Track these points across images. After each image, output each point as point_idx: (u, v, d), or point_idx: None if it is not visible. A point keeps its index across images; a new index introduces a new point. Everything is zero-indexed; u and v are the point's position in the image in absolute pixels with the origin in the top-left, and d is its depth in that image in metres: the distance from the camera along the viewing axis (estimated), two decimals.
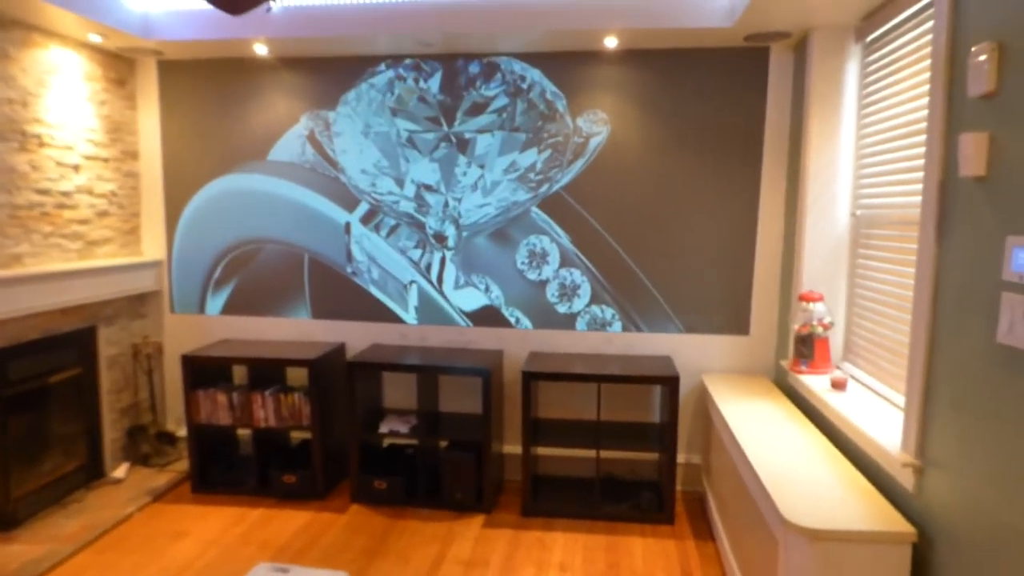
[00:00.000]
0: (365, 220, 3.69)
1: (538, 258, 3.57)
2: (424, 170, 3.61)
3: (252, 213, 3.77)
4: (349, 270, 3.73)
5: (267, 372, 3.65)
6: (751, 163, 3.38)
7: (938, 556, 1.80)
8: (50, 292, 3.14)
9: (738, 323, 3.51)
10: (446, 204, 3.61)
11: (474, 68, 3.49)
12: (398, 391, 3.79)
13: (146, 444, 3.87)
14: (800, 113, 3.13)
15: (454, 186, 3.60)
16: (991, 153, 1.57)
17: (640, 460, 3.65)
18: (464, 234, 3.62)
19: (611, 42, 3.23)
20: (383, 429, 3.47)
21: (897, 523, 1.89)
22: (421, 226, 3.65)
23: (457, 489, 3.37)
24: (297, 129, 3.68)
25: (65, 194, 3.34)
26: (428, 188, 3.62)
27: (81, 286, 3.33)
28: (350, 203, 3.68)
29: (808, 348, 2.93)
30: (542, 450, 3.68)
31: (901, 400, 2.37)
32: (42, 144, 3.20)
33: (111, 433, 3.70)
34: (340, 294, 3.76)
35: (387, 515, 3.35)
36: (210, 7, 3.25)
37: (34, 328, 3.15)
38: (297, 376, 3.79)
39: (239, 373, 3.84)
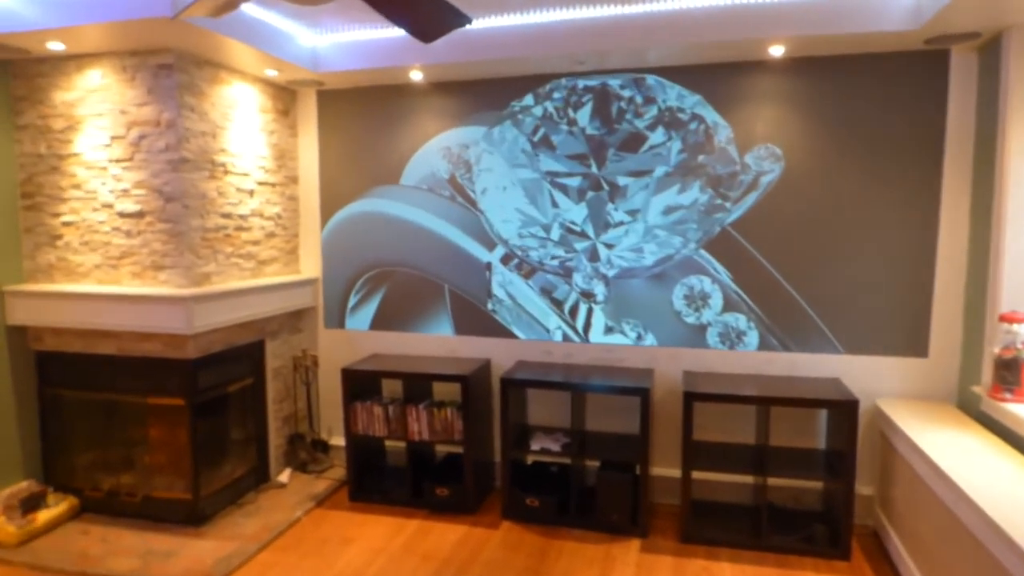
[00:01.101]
0: (505, 261, 3.73)
1: (697, 300, 3.47)
2: (572, 214, 3.60)
3: (393, 237, 3.91)
4: (490, 307, 3.78)
5: (417, 386, 3.75)
6: (929, 174, 3.14)
7: None
8: (233, 308, 3.38)
9: (915, 344, 3.25)
10: (595, 253, 3.58)
11: (628, 92, 3.44)
12: (543, 408, 3.78)
13: (304, 451, 4.06)
14: (991, 118, 2.87)
15: (604, 232, 3.56)
16: None
17: (804, 489, 3.44)
18: (614, 289, 3.58)
19: (777, 51, 3.11)
20: (535, 446, 3.46)
21: None
22: (568, 274, 3.64)
23: (612, 510, 3.31)
24: (439, 161, 3.79)
25: (242, 217, 3.60)
26: (576, 234, 3.60)
27: (255, 302, 3.57)
28: (490, 243, 3.75)
29: (1013, 373, 2.66)
30: (697, 474, 3.54)
31: None
32: (226, 172, 3.46)
33: (275, 440, 3.92)
34: (482, 322, 3.82)
35: (540, 533, 3.32)
36: (379, 36, 3.42)
37: (218, 341, 3.39)
38: (444, 391, 3.86)
39: (389, 386, 3.96)
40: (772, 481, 3.29)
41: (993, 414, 2.77)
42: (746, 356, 3.45)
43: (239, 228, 3.58)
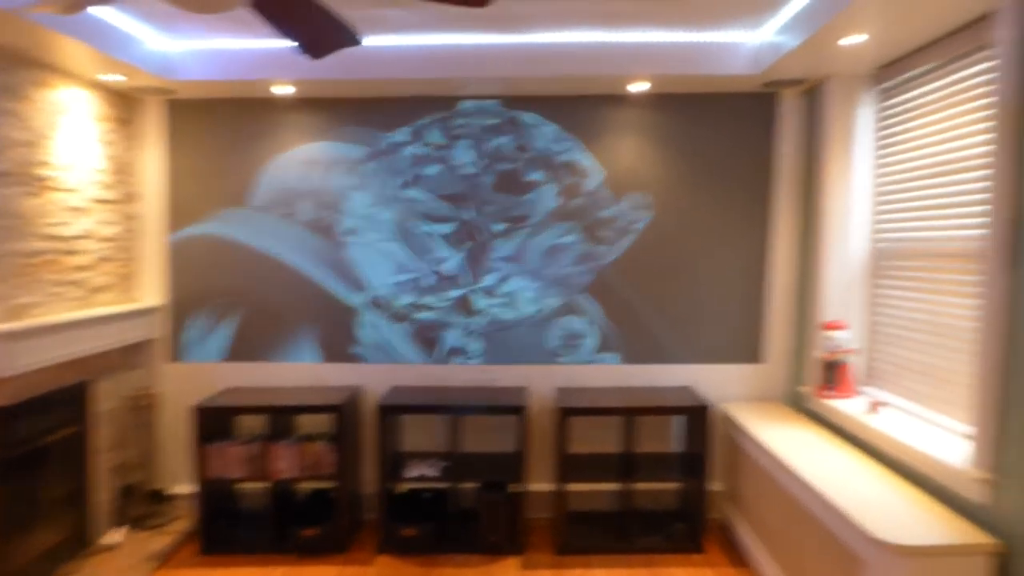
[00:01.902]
0: (373, 306, 3.63)
1: (574, 339, 3.62)
2: (447, 260, 3.60)
3: (247, 264, 3.64)
4: (356, 350, 3.66)
5: (281, 420, 3.49)
6: (763, 200, 3.58)
7: (1020, 564, 1.92)
8: (56, 344, 2.90)
9: (753, 352, 3.65)
10: (469, 304, 3.62)
11: (504, 135, 3.53)
12: (420, 433, 3.70)
13: (140, 505, 3.58)
14: (813, 152, 3.35)
15: (481, 280, 3.62)
16: None
17: (664, 491, 3.70)
18: (489, 340, 3.64)
19: (641, 87, 3.37)
20: (412, 473, 3.37)
21: (977, 535, 2.01)
22: (442, 327, 3.64)
23: (491, 531, 3.31)
24: (302, 189, 3.60)
25: (70, 239, 3.12)
26: (449, 280, 3.62)
27: (84, 336, 3.09)
28: (357, 285, 3.63)
29: (834, 374, 3.10)
30: (571, 486, 3.67)
31: (938, 418, 2.54)
32: (51, 188, 2.99)
33: (104, 495, 3.41)
34: (351, 347, 3.67)
35: (419, 564, 3.23)
36: (241, 47, 3.17)
37: (37, 384, 2.88)
38: (312, 423, 3.64)
39: (247, 423, 3.64)
40: (638, 486, 3.51)
41: (818, 410, 3.20)
42: (612, 370, 3.66)
43: (66, 252, 3.10)
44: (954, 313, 2.47)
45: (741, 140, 3.54)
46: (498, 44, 3.12)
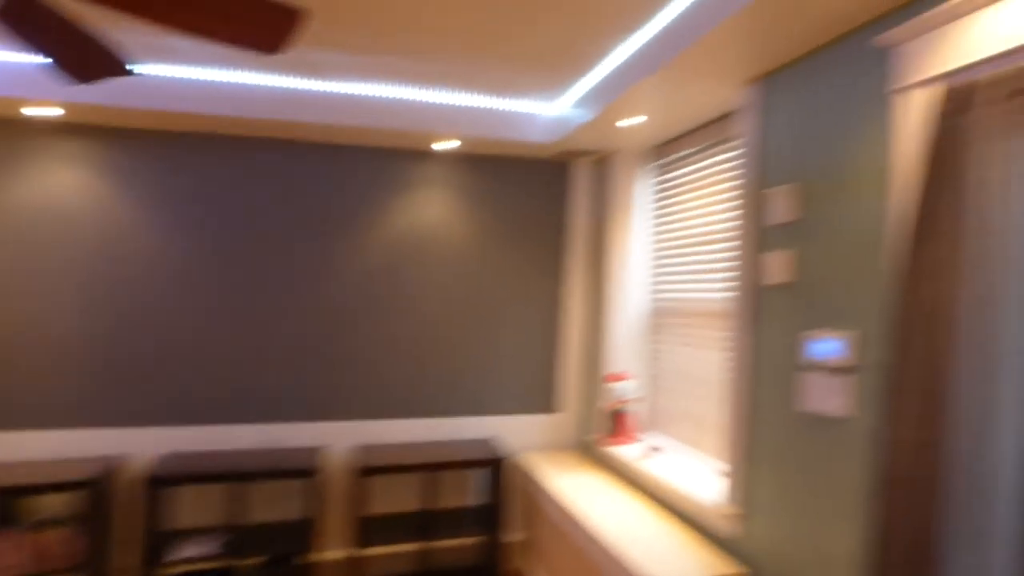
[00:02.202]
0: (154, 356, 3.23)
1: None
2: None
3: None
4: (120, 411, 3.19)
5: (9, 505, 2.87)
6: (559, 258, 3.83)
7: None
8: None
9: (549, 403, 3.83)
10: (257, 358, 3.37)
11: (299, 185, 3.40)
12: (197, 507, 3.27)
13: None
14: (601, 217, 3.68)
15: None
16: (791, 266, 2.11)
17: (465, 546, 3.67)
18: (279, 400, 3.40)
19: (445, 146, 3.45)
20: (186, 553, 2.95)
21: (730, 566, 2.26)
22: (220, 384, 3.33)
23: None
24: (61, 219, 3.12)
25: None
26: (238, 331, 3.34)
27: None
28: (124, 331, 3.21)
29: (616, 423, 3.35)
30: (370, 550, 3.48)
31: (706, 460, 2.86)
32: None
33: None
34: (111, 407, 3.18)
35: None
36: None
37: None
38: (52, 505, 3.04)
39: None
40: (438, 543, 3.44)
41: (604, 457, 3.42)
42: (412, 425, 3.59)
43: None
44: (712, 364, 2.82)
45: (539, 202, 3.78)
46: (300, 90, 3.01)
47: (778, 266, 2.14)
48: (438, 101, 3.18)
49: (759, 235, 2.29)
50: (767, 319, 2.23)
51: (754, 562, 2.26)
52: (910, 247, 1.57)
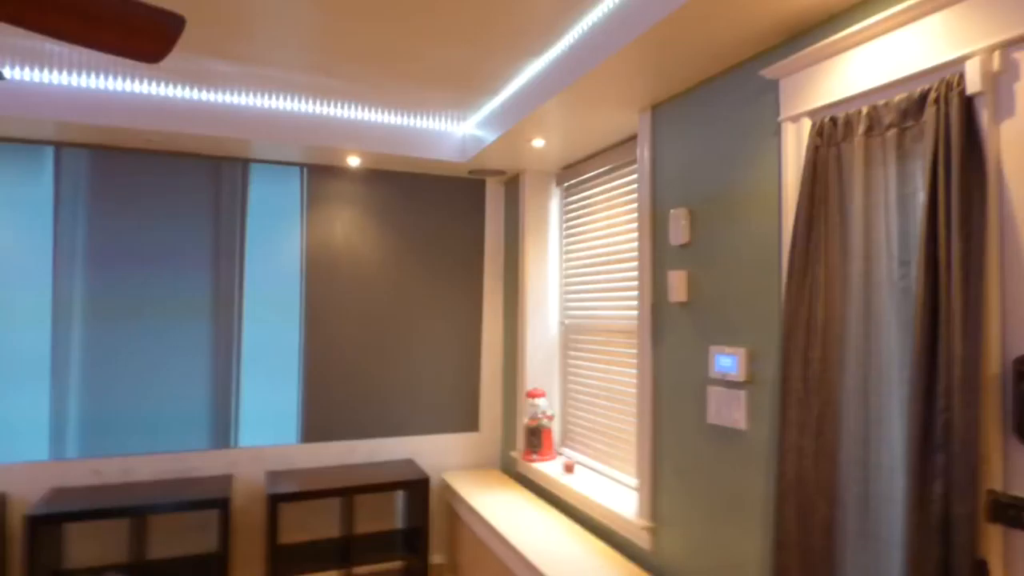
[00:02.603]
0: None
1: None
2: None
3: None
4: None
5: None
6: (474, 276, 3.84)
7: None
8: None
9: (469, 421, 3.82)
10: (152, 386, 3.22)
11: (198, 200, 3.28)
12: (89, 545, 3.07)
13: None
14: (513, 235, 3.72)
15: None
16: (689, 285, 2.19)
17: (388, 571, 3.59)
18: (188, 426, 3.25)
19: (355, 161, 3.41)
20: None
21: None
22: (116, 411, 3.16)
23: None
24: None
25: None
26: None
27: None
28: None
29: (537, 439, 3.38)
30: None
31: (619, 475, 2.92)
32: None
33: None
34: None
35: None
36: None
37: None
38: None
39: None
40: (359, 570, 3.36)
41: (526, 473, 3.44)
42: (329, 448, 3.50)
43: None
44: (622, 381, 2.89)
45: (454, 220, 3.79)
46: (191, 100, 2.90)
47: (676, 285, 2.23)
48: (344, 116, 3.14)
49: (658, 256, 2.38)
50: (668, 336, 2.31)
51: (667, 574, 2.31)
52: (796, 266, 1.66)
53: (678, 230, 2.22)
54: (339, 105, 3.06)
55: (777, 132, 1.86)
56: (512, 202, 3.76)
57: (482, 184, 3.85)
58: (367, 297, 3.59)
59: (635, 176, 2.81)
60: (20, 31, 2.27)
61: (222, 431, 3.30)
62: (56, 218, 3.04)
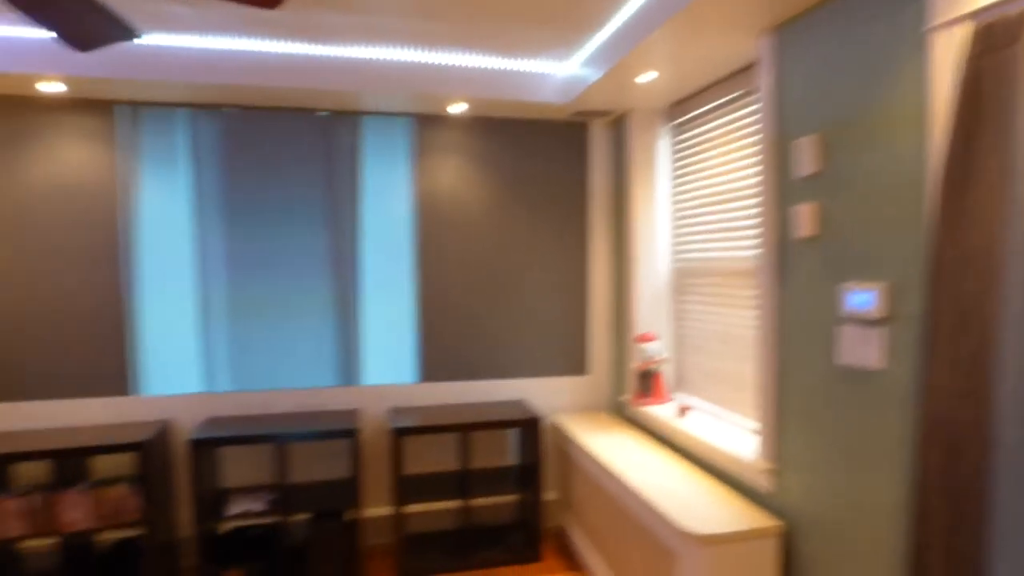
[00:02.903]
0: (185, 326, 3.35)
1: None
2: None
3: (25, 282, 3.19)
4: (163, 379, 3.33)
5: (71, 465, 3.06)
6: (580, 220, 3.81)
7: (801, 540, 2.22)
8: None
9: (578, 364, 3.86)
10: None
11: (312, 152, 3.44)
12: (243, 467, 3.44)
13: None
14: (620, 178, 3.64)
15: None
16: (818, 219, 2.07)
17: (502, 504, 3.77)
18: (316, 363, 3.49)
19: (459, 108, 3.44)
20: (234, 510, 3.11)
21: (766, 519, 2.28)
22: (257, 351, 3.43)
23: (325, 562, 3.15)
24: (79, 199, 3.24)
25: None
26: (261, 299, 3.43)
27: None
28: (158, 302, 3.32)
29: (648, 383, 3.37)
30: (409, 508, 3.61)
31: (736, 418, 2.86)
32: None
33: None
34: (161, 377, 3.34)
35: None
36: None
37: None
38: (109, 466, 3.23)
39: (27, 472, 3.15)
40: (475, 502, 3.54)
41: (637, 417, 3.46)
42: (445, 388, 3.67)
43: None
44: (739, 323, 2.80)
45: (559, 164, 3.76)
46: (309, 55, 3.02)
47: (803, 219, 2.11)
48: (448, 63, 3.16)
49: (782, 189, 2.25)
50: (794, 274, 2.21)
51: (789, 516, 2.27)
52: (948, 192, 1.53)
53: (805, 160, 2.08)
54: (443, 52, 3.08)
55: (922, 45, 1.68)
56: (617, 143, 3.67)
57: (586, 127, 3.78)
58: (476, 244, 3.67)
59: (754, 107, 2.65)
60: None
61: (348, 371, 3.54)
62: (194, 177, 3.31)
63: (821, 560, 2.11)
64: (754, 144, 2.67)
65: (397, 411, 3.52)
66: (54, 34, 1.76)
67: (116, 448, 2.93)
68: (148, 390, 3.30)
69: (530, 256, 3.75)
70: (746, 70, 2.68)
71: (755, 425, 2.68)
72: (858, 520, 1.95)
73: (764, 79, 2.32)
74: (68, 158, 3.18)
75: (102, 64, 2.83)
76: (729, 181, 2.87)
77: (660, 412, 3.20)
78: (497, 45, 2.96)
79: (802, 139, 2.11)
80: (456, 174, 3.62)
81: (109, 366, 3.26)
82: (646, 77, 2.84)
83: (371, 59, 3.07)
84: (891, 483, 1.83)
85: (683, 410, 3.09)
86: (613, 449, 3.09)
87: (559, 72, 3.30)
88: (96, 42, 1.85)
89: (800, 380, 2.20)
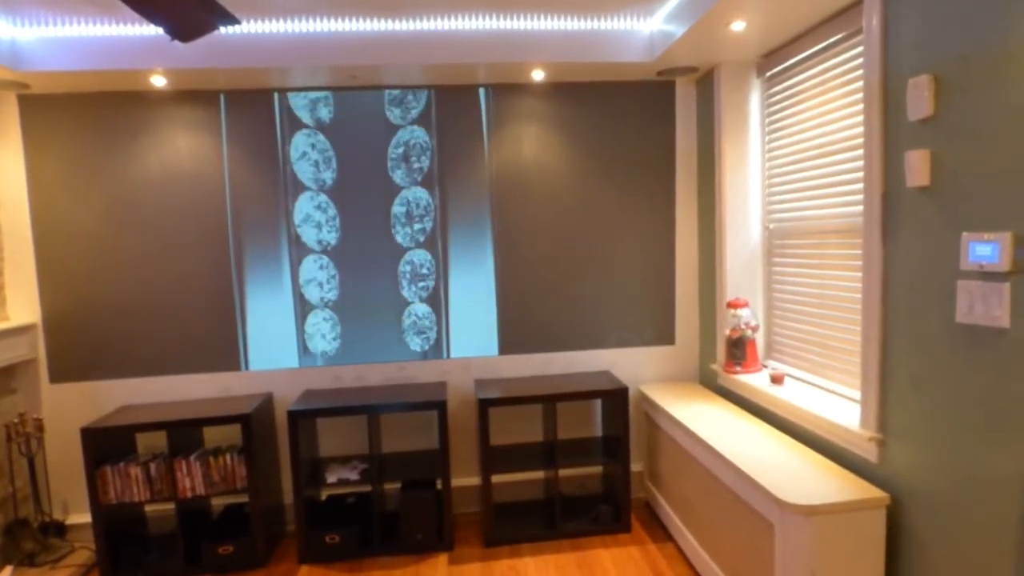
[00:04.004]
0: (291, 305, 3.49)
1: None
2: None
3: (135, 269, 3.40)
4: (266, 356, 3.49)
5: (184, 435, 3.29)
6: (666, 185, 3.68)
7: (908, 514, 2.07)
8: None
9: (664, 334, 3.76)
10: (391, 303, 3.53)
11: (405, 133, 3.47)
12: (337, 437, 3.59)
13: (29, 540, 3.29)
14: (708, 138, 3.47)
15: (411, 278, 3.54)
16: (933, 165, 1.89)
17: (588, 475, 3.76)
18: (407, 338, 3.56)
19: (538, 75, 3.38)
20: (331, 479, 3.26)
21: (871, 491, 2.15)
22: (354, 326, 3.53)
23: (417, 530, 3.25)
24: (191, 184, 3.40)
25: None
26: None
27: None
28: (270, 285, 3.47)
29: (740, 350, 3.23)
30: (495, 478, 3.66)
31: (835, 386, 2.70)
32: None
33: None
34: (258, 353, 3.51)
35: (344, 570, 3.14)
36: (103, 33, 2.93)
37: None
38: (219, 436, 3.45)
39: (146, 441, 3.41)
40: (562, 473, 3.55)
41: (728, 385, 3.33)
42: (529, 359, 3.67)
43: None
44: (840, 286, 2.62)
45: (642, 127, 3.62)
46: (388, 31, 3.03)
47: (916, 167, 1.93)
48: (525, 27, 3.08)
49: (891, 136, 2.06)
50: (904, 227, 2.03)
51: (895, 488, 2.13)
52: None
53: (919, 102, 1.90)
54: (520, 17, 3.01)
55: None
56: (705, 100, 3.49)
57: (671, 86, 3.62)
58: (556, 213, 3.62)
59: (857, 51, 2.44)
60: None
61: (435, 343, 3.60)
62: (283, 160, 3.43)
63: (933, 535, 1.97)
64: (856, 92, 2.46)
65: (482, 383, 3.55)
66: (160, 26, 1.84)
67: (224, 420, 3.12)
68: (253, 366, 3.49)
69: (613, 223, 3.66)
70: (846, 11, 2.47)
71: (856, 393, 2.52)
72: (976, 493, 1.79)
73: (869, 16, 2.13)
74: (178, 148, 3.37)
75: (203, 55, 2.95)
76: (828, 133, 2.67)
77: (752, 380, 3.07)
78: (576, 5, 2.87)
79: (914, 79, 1.92)
80: (535, 143, 3.57)
81: (220, 344, 3.46)
82: (738, 25, 2.67)
83: (451, 30, 3.05)
84: (1017, 453, 1.66)
85: (777, 378, 2.95)
86: (703, 419, 3.00)
87: (643, 29, 3.16)
88: (199, 30, 1.91)
89: (909, 343, 2.03)
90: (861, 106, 2.24)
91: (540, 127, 3.56)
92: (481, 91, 3.50)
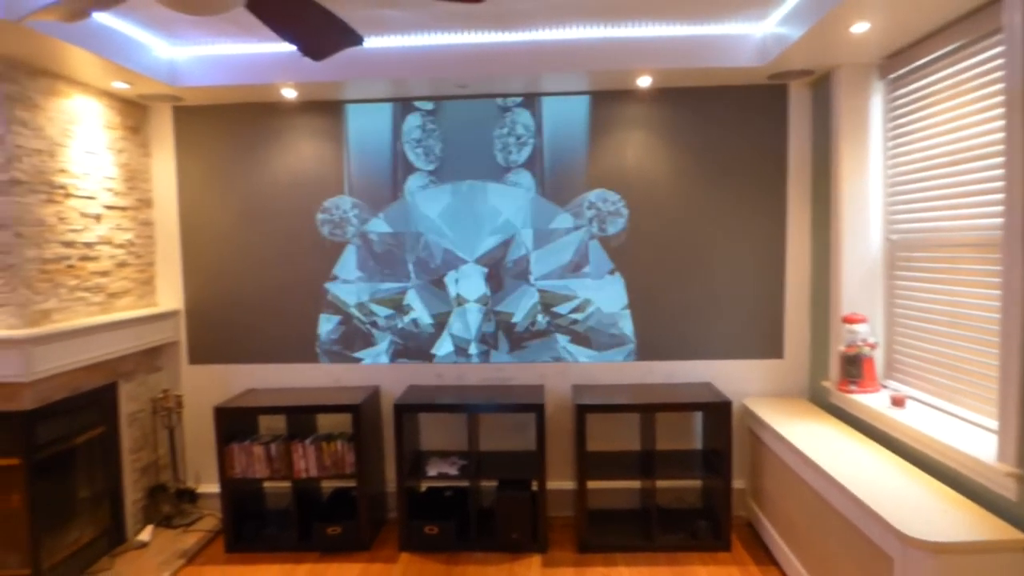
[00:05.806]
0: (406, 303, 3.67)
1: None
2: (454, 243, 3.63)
3: (266, 268, 3.70)
4: (373, 350, 3.69)
5: (301, 420, 3.54)
6: (776, 193, 3.53)
7: None
8: (79, 348, 2.99)
9: (772, 347, 3.61)
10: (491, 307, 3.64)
11: (513, 139, 3.56)
12: (437, 432, 3.72)
13: (167, 504, 3.66)
14: (824, 144, 3.30)
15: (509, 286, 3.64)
16: None
17: (686, 488, 3.67)
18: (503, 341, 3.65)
19: (645, 81, 3.35)
20: (431, 472, 3.39)
21: (1008, 531, 1.96)
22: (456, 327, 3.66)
23: (512, 529, 3.31)
24: (315, 193, 3.65)
25: (88, 245, 3.20)
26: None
27: (106, 341, 3.18)
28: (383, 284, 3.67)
29: (856, 368, 3.04)
30: (591, 484, 3.65)
31: (964, 412, 2.49)
32: (68, 195, 3.06)
33: (132, 494, 3.49)
34: (369, 348, 3.70)
35: (441, 561, 3.25)
36: (245, 51, 3.22)
37: (61, 387, 2.96)
38: (331, 423, 3.68)
39: (268, 423, 3.70)
40: (659, 484, 3.49)
41: (842, 404, 3.15)
42: (628, 367, 3.64)
43: (84, 258, 3.17)
44: (974, 304, 2.42)
45: (752, 133, 3.50)
46: (499, 43, 3.11)
47: None
48: (635, 35, 3.07)
49: None
50: None
51: None
52: None
53: None
54: (627, 25, 3.01)
55: None
56: (821, 104, 3.33)
57: (783, 90, 3.47)
58: (660, 220, 3.57)
59: (995, 51, 2.24)
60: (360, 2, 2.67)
61: (534, 347, 3.65)
62: (398, 166, 3.61)
63: None
64: (994, 95, 2.27)
65: (580, 388, 3.56)
66: (295, 45, 2.01)
67: (337, 408, 3.34)
68: (365, 359, 3.71)
69: (720, 230, 3.56)
70: (983, 9, 2.27)
71: (991, 422, 2.31)
72: None
73: (1012, 15, 1.96)
74: (302, 154, 3.64)
75: (327, 70, 3.18)
76: (961, 140, 2.47)
77: (869, 401, 2.89)
78: (685, 11, 2.83)
79: None
80: (639, 149, 3.54)
81: (332, 337, 3.70)
82: (858, 28, 2.54)
83: (556, 40, 3.10)
84: None
85: (898, 400, 2.75)
86: (814, 438, 2.85)
87: (755, 32, 3.07)
88: (330, 50, 2.08)
89: None
90: (1000, 110, 2.06)
91: (645, 133, 3.53)
92: (586, 98, 3.52)
